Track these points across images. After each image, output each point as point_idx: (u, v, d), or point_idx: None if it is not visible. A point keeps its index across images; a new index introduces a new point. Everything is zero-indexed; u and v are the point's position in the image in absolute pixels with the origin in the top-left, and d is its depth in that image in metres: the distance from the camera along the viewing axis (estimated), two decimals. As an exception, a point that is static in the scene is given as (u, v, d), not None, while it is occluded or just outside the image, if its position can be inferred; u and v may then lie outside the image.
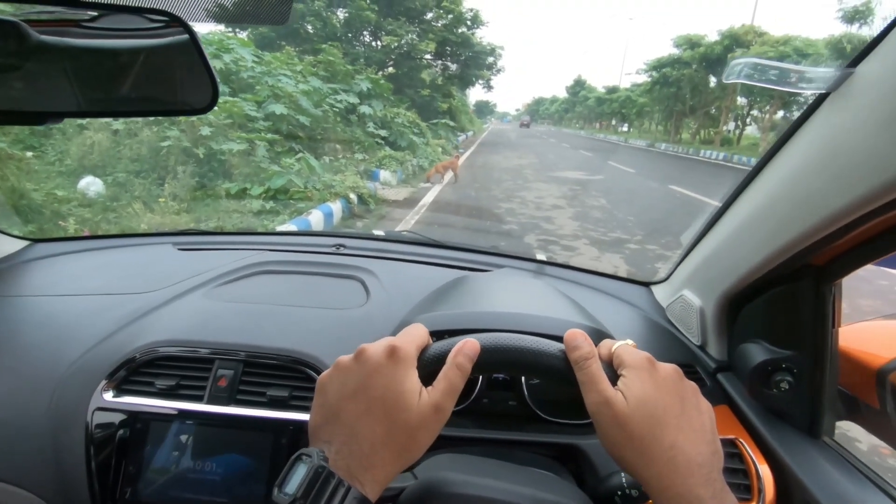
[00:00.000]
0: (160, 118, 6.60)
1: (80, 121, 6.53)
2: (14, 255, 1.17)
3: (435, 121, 17.72)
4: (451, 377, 0.43)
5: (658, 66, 31.33)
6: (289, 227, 4.91)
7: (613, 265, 4.91)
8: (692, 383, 0.45)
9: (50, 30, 0.50)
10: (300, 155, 7.41)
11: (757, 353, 0.73)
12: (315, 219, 5.36)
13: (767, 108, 25.45)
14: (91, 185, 5.43)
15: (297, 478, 0.37)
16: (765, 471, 0.69)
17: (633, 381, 0.42)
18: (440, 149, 14.31)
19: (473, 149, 19.78)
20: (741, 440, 0.72)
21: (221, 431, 0.76)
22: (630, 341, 0.47)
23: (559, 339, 0.48)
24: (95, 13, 0.50)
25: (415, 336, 0.45)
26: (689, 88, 29.89)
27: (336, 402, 0.42)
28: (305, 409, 0.77)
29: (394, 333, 0.46)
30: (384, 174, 9.00)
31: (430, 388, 0.42)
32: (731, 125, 30.03)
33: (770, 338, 0.73)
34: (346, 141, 10.03)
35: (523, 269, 1.23)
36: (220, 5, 0.51)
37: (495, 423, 0.81)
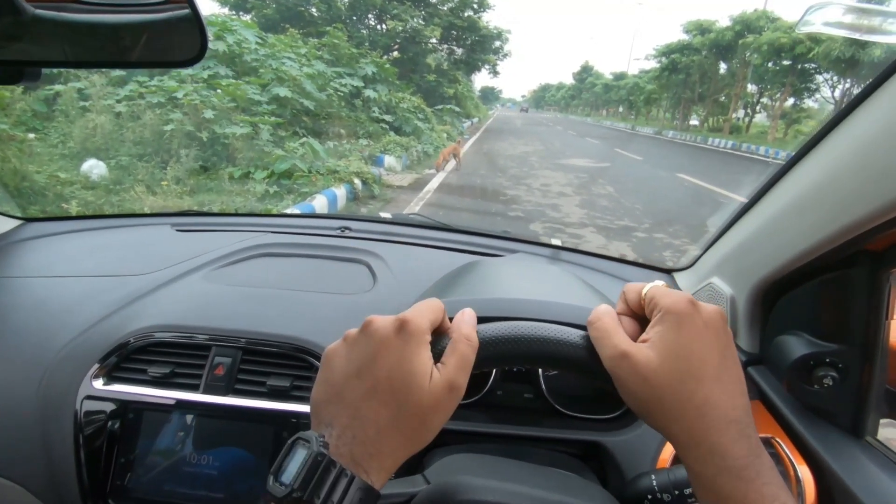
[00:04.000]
0: (162, 100, 6.54)
1: (82, 102, 6.47)
2: (5, 235, 1.12)
3: (440, 106, 17.47)
4: (462, 350, 0.39)
5: (667, 52, 30.86)
6: (292, 212, 4.85)
7: (621, 253, 4.84)
8: (729, 329, 0.39)
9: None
10: (304, 139, 7.31)
11: (797, 345, 0.68)
12: (319, 204, 5.30)
13: (778, 95, 25.03)
14: (94, 167, 5.39)
15: (295, 466, 0.34)
16: (804, 472, 0.64)
17: (667, 328, 0.37)
18: (445, 135, 14.13)
19: (479, 135, 19.58)
20: (778, 439, 0.67)
21: (219, 423, 0.71)
22: (661, 282, 0.42)
23: (583, 327, 0.43)
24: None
25: (427, 310, 0.40)
26: (698, 75, 29.48)
27: (340, 379, 0.38)
28: (308, 400, 0.72)
29: None
30: (389, 160, 8.90)
31: (439, 364, 0.38)
32: (741, 113, 29.62)
33: (813, 330, 0.68)
34: (351, 125, 9.91)
35: (538, 255, 1.17)
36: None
37: (510, 418, 0.76)
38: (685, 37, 29.82)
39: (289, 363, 0.74)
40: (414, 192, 7.11)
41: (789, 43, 20.97)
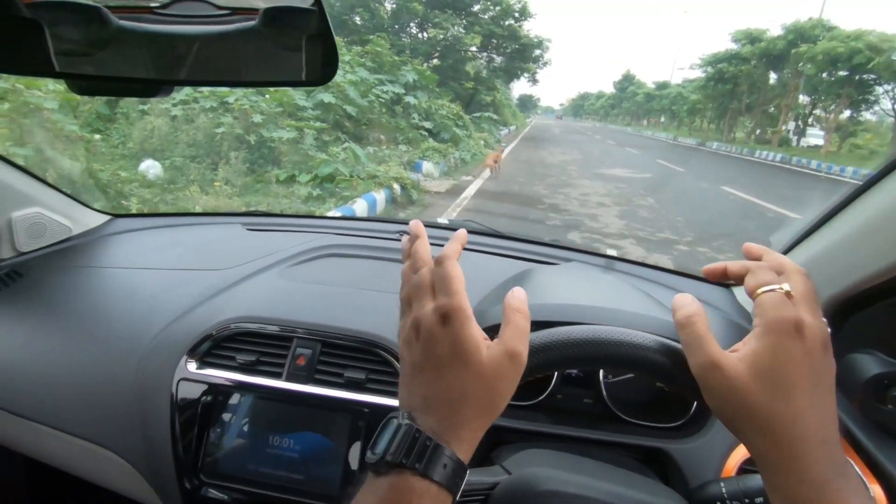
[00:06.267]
0: (214, 104, 6.85)
1: (141, 106, 6.86)
2: (97, 229, 1.22)
3: (478, 114, 17.56)
4: (515, 320, 0.41)
5: (714, 61, 30.00)
6: (335, 214, 4.98)
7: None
8: (832, 358, 0.38)
9: (129, 16, 0.50)
10: (346, 144, 7.51)
11: (871, 364, 0.67)
12: (360, 208, 5.42)
13: (833, 107, 23.89)
14: (151, 167, 5.69)
15: (386, 436, 0.38)
16: (877, 490, 0.63)
17: (763, 347, 0.37)
18: (483, 142, 14.20)
19: (516, 143, 19.54)
20: (848, 459, 0.66)
21: (299, 409, 0.76)
22: (786, 286, 0.39)
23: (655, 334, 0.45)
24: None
25: (460, 286, 0.41)
26: (746, 85, 28.48)
27: (409, 373, 0.42)
28: (382, 392, 0.76)
29: None
30: (427, 165, 9.01)
31: (496, 338, 0.41)
32: (791, 125, 28.41)
33: (887, 349, 0.67)
34: (391, 131, 10.09)
35: (592, 264, 1.18)
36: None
37: (571, 420, 0.78)
38: (733, 46, 28.94)
39: (363, 357, 0.79)
40: (451, 198, 7.18)
41: (847, 53, 20.01)
